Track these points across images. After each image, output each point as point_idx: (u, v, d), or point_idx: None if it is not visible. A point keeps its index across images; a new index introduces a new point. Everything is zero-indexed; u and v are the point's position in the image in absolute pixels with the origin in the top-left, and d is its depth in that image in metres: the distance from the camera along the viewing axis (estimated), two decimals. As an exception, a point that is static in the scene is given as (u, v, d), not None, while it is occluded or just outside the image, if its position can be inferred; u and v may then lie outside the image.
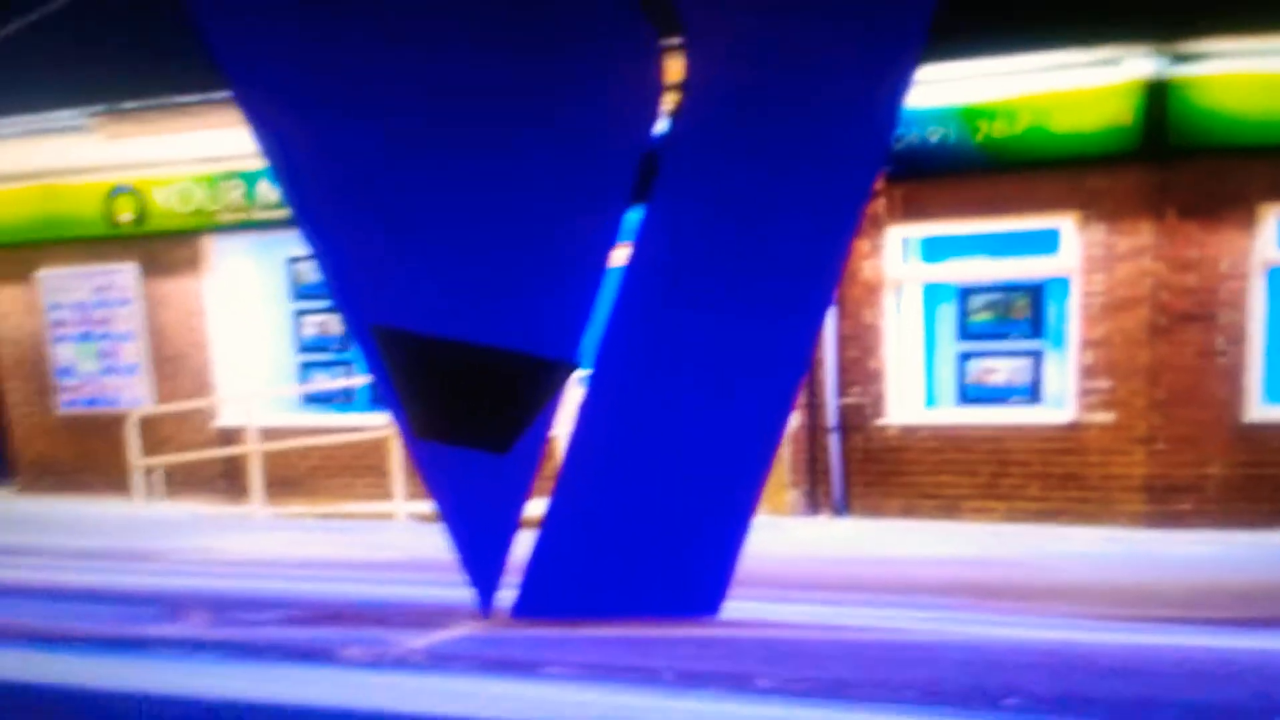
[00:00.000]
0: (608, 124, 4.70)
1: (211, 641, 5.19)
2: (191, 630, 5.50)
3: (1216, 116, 8.61)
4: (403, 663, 4.72)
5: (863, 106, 4.73)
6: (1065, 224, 9.23)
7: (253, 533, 9.47)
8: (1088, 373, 9.21)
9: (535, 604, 5.21)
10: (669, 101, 4.98)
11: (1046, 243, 9.39)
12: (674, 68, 4.77)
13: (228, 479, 11.68)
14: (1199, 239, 8.85)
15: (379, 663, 4.72)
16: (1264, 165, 8.63)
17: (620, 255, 5.22)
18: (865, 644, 4.93)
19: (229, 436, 11.55)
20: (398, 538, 8.75)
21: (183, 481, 11.68)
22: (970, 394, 9.86)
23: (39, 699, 4.39)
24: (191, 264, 11.63)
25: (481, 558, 5.14)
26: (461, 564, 5.23)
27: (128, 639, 5.28)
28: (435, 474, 5.22)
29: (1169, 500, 9.03)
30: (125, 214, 11.55)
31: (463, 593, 5.26)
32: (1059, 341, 9.55)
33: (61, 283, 12.11)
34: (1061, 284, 9.42)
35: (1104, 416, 9.17)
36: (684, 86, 4.80)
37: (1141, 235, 8.95)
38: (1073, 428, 9.29)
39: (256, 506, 10.67)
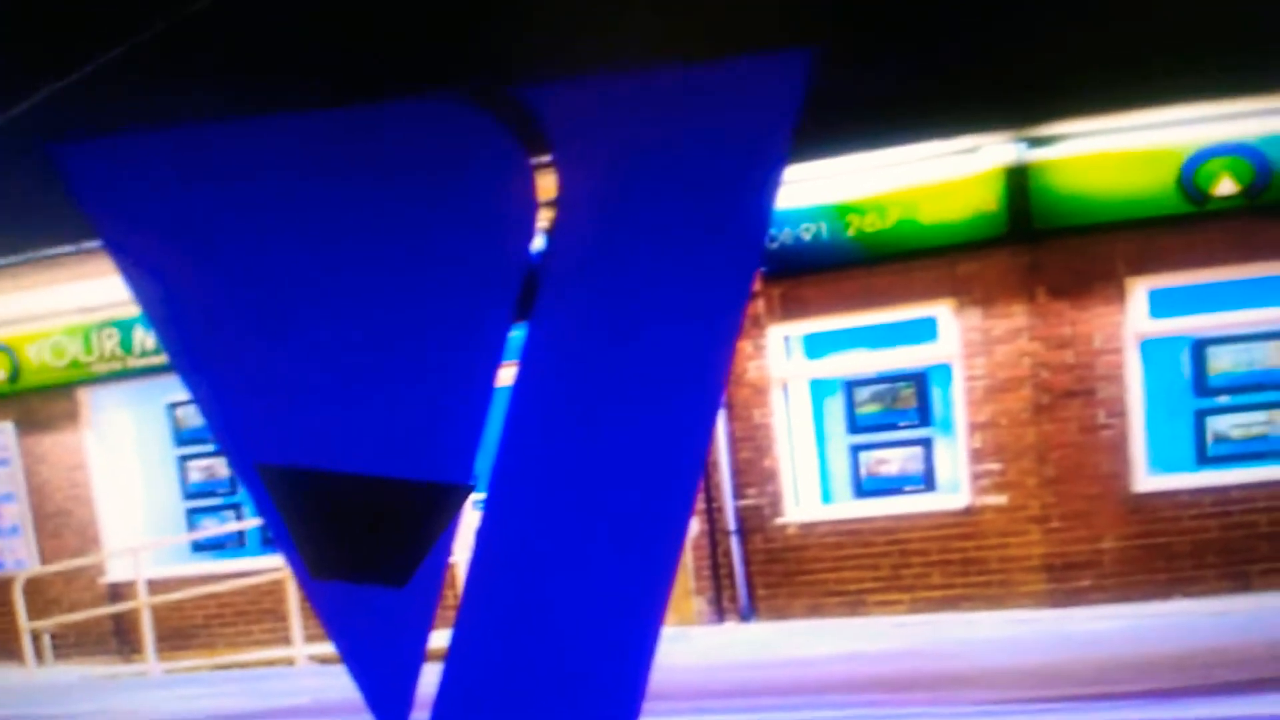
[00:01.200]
0: (484, 244, 4.66)
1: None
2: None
3: (1077, 196, 8.85)
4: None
5: (736, 208, 4.76)
6: (942, 311, 9.35)
7: (150, 691, 9.08)
8: (977, 456, 9.28)
9: (446, 739, 5.01)
10: (544, 218, 4.97)
11: (925, 331, 9.51)
12: (547, 184, 4.77)
13: (119, 636, 11.19)
14: (1071, 316, 9.01)
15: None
16: (1127, 240, 8.85)
17: (506, 374, 5.15)
18: (785, 750, 4.82)
19: (118, 592, 11.10)
20: (300, 683, 8.44)
21: (74, 643, 11.18)
22: (865, 486, 9.87)
23: None
24: (70, 418, 11.28)
25: (388, 697, 4.94)
26: (368, 704, 5.02)
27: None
28: (333, 614, 5.02)
29: (1068, 578, 9.07)
30: (-1, 372, 11.23)
31: (370, 735, 5.05)
32: (947, 427, 9.63)
33: (-66, 445, 11.67)
34: (944, 370, 9.52)
35: (997, 498, 9.23)
36: (557, 203, 4.80)
37: (1016, 317, 9.10)
38: (968, 512, 9.33)
39: (151, 663, 10.22)
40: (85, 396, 11.22)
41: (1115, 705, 5.06)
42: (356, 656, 5.40)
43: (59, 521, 11.44)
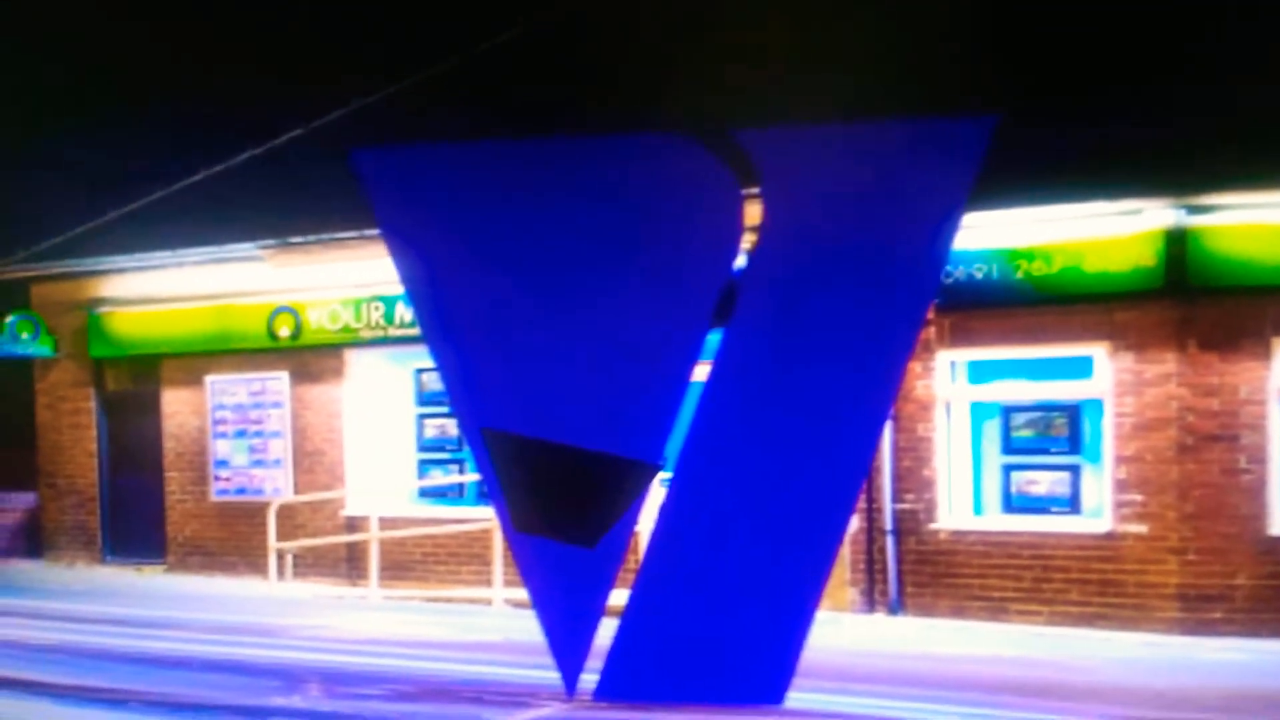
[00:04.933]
0: (694, 259, 4.78)
1: (322, 713, 5.13)
2: (305, 702, 5.46)
3: (1229, 260, 8.52)
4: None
5: (917, 246, 4.72)
6: (1098, 352, 9.05)
7: (367, 613, 9.46)
8: (1122, 486, 8.92)
9: (616, 688, 5.09)
10: (747, 240, 5.01)
11: (1081, 368, 9.21)
12: (752, 212, 4.81)
13: (349, 563, 11.70)
14: (1219, 367, 8.64)
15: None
16: (1275, 303, 8.50)
17: (701, 372, 5.21)
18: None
19: (354, 524, 11.60)
20: (495, 621, 8.67)
21: (311, 564, 11.73)
22: (1015, 502, 9.60)
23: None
24: (335, 373, 11.86)
25: (568, 643, 5.06)
26: (550, 648, 5.14)
27: (249, 708, 5.25)
28: (529, 564, 5.18)
29: (1200, 608, 8.63)
30: (284, 329, 11.87)
31: (550, 675, 5.16)
32: (1095, 457, 9.27)
33: (225, 387, 12.42)
34: (1096, 405, 9.19)
35: (1138, 527, 8.85)
36: (761, 228, 4.85)
37: (1167, 363, 8.75)
38: (1109, 537, 8.97)
39: (373, 589, 10.65)
40: (350, 357, 11.76)
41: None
42: (545, 604, 5.59)
43: (314, 459, 12.02)
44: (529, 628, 5.35)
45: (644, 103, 8.83)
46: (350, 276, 11.35)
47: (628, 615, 5.00)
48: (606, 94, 9.74)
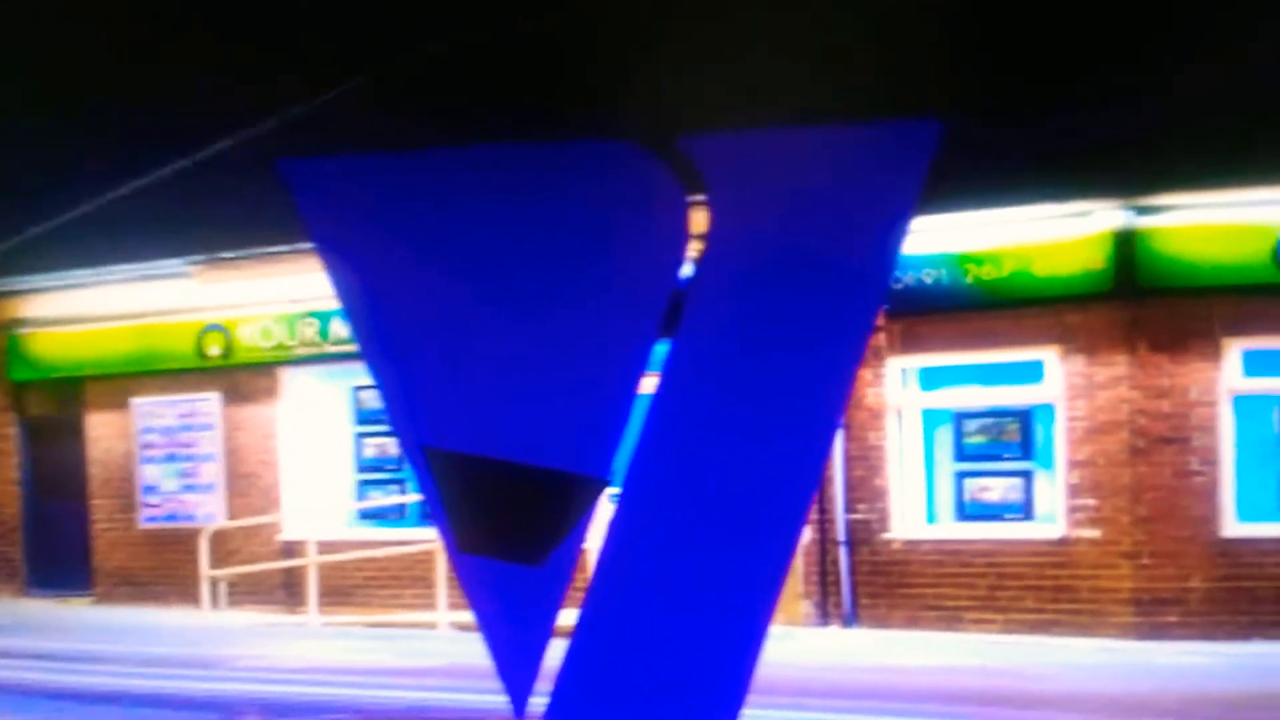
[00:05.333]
0: (640, 269, 4.78)
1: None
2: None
3: (1178, 261, 8.72)
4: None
5: (865, 252, 4.78)
6: (1048, 356, 9.20)
7: (307, 641, 9.34)
8: (1074, 491, 9.06)
9: (565, 711, 5.06)
10: (693, 249, 5.05)
11: (1032, 373, 9.35)
12: (699, 220, 4.85)
13: (287, 589, 11.54)
14: (1170, 369, 8.82)
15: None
16: (1225, 303, 8.70)
17: (649, 384, 5.23)
18: (875, 748, 4.76)
19: (291, 549, 11.46)
20: (440, 646, 8.62)
21: (246, 591, 11.56)
22: (968, 510, 9.71)
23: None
24: (268, 392, 11.72)
25: (516, 665, 5.02)
26: (497, 671, 5.11)
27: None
28: (475, 585, 5.14)
29: (1155, 612, 8.77)
30: (214, 348, 11.72)
31: (498, 699, 5.13)
32: (1047, 462, 9.41)
33: (153, 409, 12.23)
34: (1047, 410, 9.33)
35: (1091, 532, 8.99)
36: (707, 236, 4.88)
37: (1117, 366, 8.91)
38: (1062, 542, 9.10)
39: (312, 615, 10.53)
40: (284, 375, 11.64)
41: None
42: (491, 626, 5.55)
43: (248, 482, 11.86)
44: (475, 651, 5.30)
45: (593, 107, 8.84)
46: (283, 292, 11.22)
47: (577, 635, 4.97)
48: (553, 100, 9.75)
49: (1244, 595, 8.67)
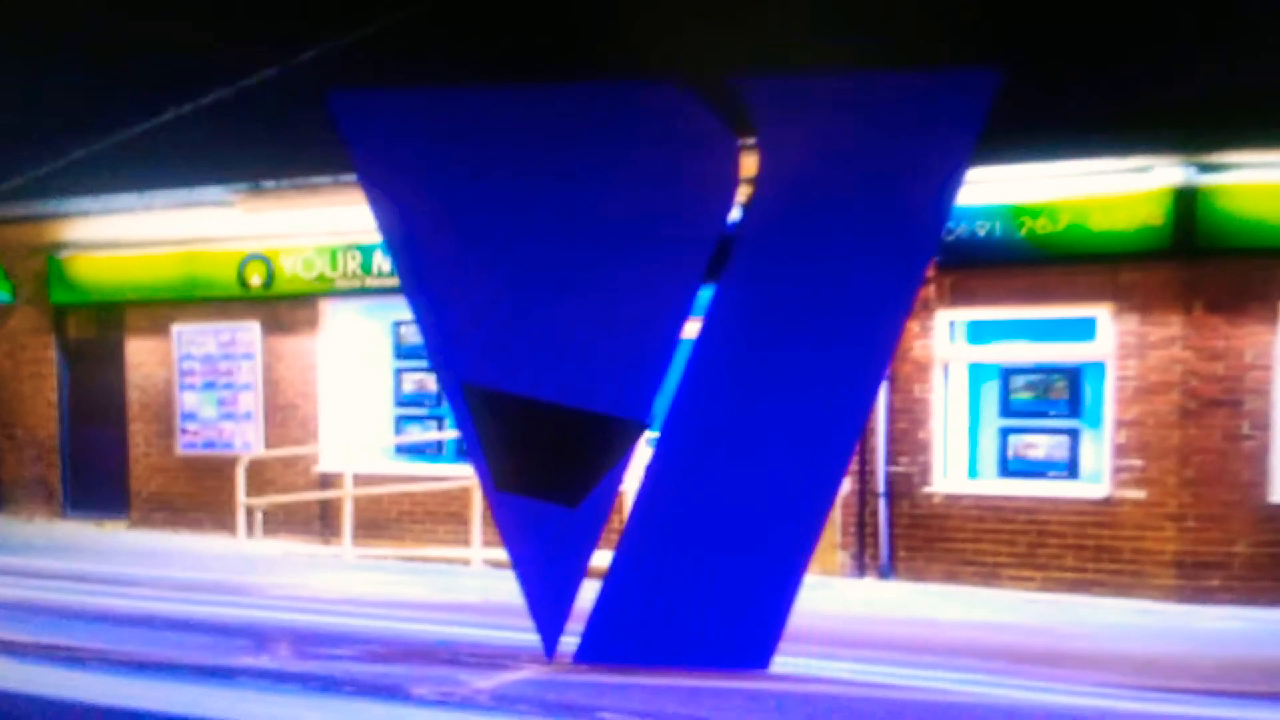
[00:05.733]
0: (686, 213, 4.77)
1: (292, 674, 5.17)
2: (275, 662, 5.49)
3: (1240, 220, 8.56)
4: (468, 702, 4.67)
5: (917, 202, 4.73)
6: (1101, 313, 9.10)
7: (341, 572, 9.50)
8: (1121, 451, 9.01)
9: (596, 650, 5.14)
10: (743, 193, 5.00)
11: (1083, 330, 9.26)
12: (749, 164, 4.80)
13: (322, 520, 11.74)
14: (1225, 331, 8.72)
15: (446, 701, 4.67)
16: (1283, 266, 8.56)
17: (692, 329, 5.22)
18: (906, 703, 4.81)
19: (327, 481, 11.64)
20: (472, 582, 8.73)
21: (282, 521, 11.76)
22: (1011, 467, 9.69)
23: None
24: (309, 324, 11.83)
25: (548, 604, 5.10)
26: (530, 609, 5.18)
27: (216, 668, 5.29)
28: (510, 523, 5.21)
29: (1198, 576, 8.75)
30: (255, 278, 11.83)
31: (530, 636, 5.21)
32: (1095, 421, 9.36)
33: (193, 337, 12.37)
34: (1097, 368, 9.26)
35: (1136, 493, 8.95)
36: (756, 181, 4.84)
37: (1171, 326, 8.81)
38: (1107, 502, 9.07)
39: (346, 548, 10.71)
40: (324, 307, 11.73)
41: (1233, 702, 4.89)
42: (525, 565, 5.61)
43: (286, 413, 12.02)
44: (508, 589, 5.39)
45: (637, 49, 8.77)
46: (325, 224, 11.29)
47: (611, 577, 5.04)
48: (599, 38, 9.66)
49: (1290, 563, 8.62)
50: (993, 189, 8.96)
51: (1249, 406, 8.71)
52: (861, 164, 4.46)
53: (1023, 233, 9.10)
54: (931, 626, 7.21)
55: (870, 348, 4.70)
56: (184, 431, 12.50)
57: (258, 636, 6.06)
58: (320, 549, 11.24)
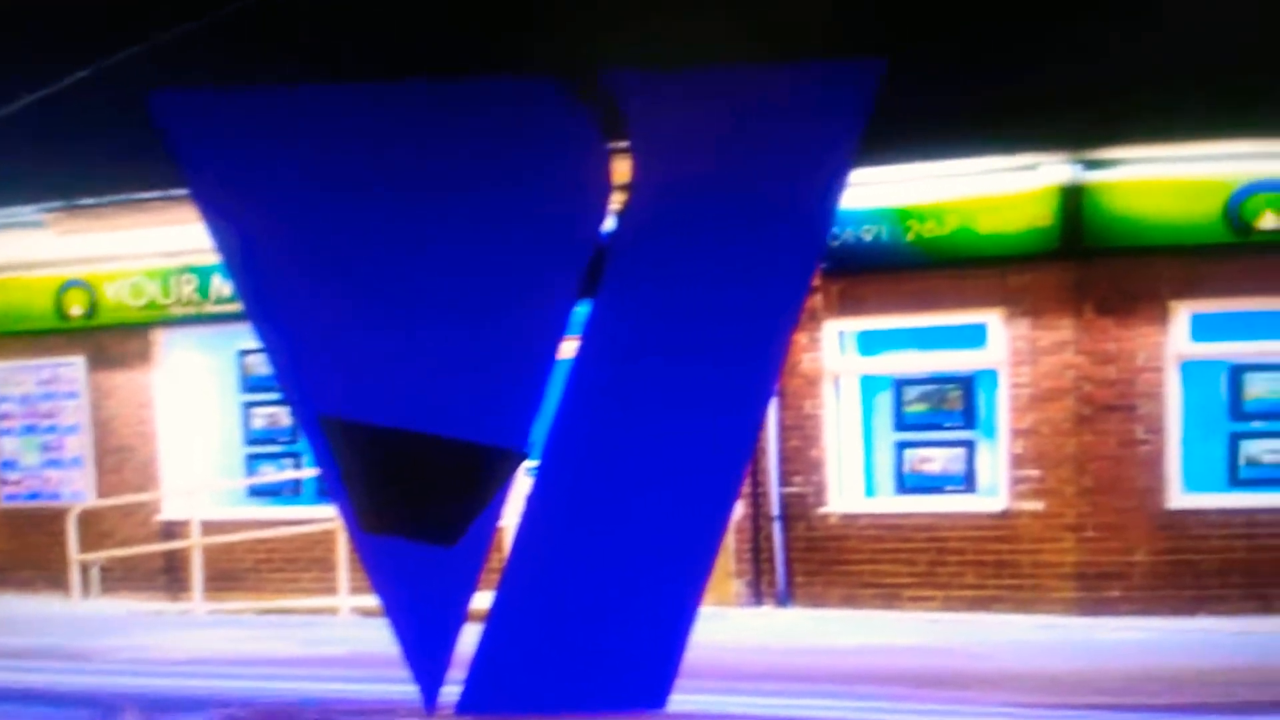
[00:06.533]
0: (558, 222, 4.72)
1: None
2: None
3: (1128, 219, 8.89)
4: (343, 763, 4.57)
5: (800, 206, 4.78)
6: (992, 319, 9.35)
7: (192, 630, 9.22)
8: (1018, 461, 9.25)
9: (481, 700, 5.06)
10: (617, 201, 5.00)
11: (975, 337, 9.49)
12: (623, 168, 4.80)
13: (169, 574, 11.38)
14: (1116, 333, 9.02)
15: (318, 765, 4.56)
16: (1174, 264, 8.90)
17: (568, 347, 5.20)
18: (809, 734, 4.84)
19: (172, 530, 11.29)
20: (341, 632, 8.56)
21: (122, 577, 11.35)
22: (907, 483, 9.86)
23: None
24: (141, 357, 11.47)
25: (426, 652, 5.01)
26: (406, 659, 5.09)
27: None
28: (381, 568, 5.10)
29: (1098, 587, 9.03)
30: (76, 308, 11.43)
31: (407, 688, 5.11)
32: (990, 431, 9.60)
33: (8, 375, 11.92)
34: (990, 376, 9.49)
35: (1034, 504, 9.20)
36: (630, 186, 4.83)
37: (1063, 330, 9.08)
38: (1005, 515, 9.30)
39: (197, 603, 10.40)
40: (158, 337, 11.39)
41: (1139, 716, 5.04)
42: (399, 611, 5.47)
43: (120, 457, 11.63)
44: (381, 638, 5.29)
45: (505, 40, 8.68)
46: (155, 244, 10.92)
47: (492, 620, 4.97)
48: (465, 29, 9.57)
49: (1188, 569, 8.94)
50: (878, 191, 9.10)
51: (1143, 410, 9.00)
52: (742, 165, 4.48)
53: (910, 236, 9.28)
54: (832, 653, 7.30)
55: (759, 361, 4.73)
56: (4, 482, 12.00)
57: (102, 706, 5.84)
58: (167, 605, 10.89)
